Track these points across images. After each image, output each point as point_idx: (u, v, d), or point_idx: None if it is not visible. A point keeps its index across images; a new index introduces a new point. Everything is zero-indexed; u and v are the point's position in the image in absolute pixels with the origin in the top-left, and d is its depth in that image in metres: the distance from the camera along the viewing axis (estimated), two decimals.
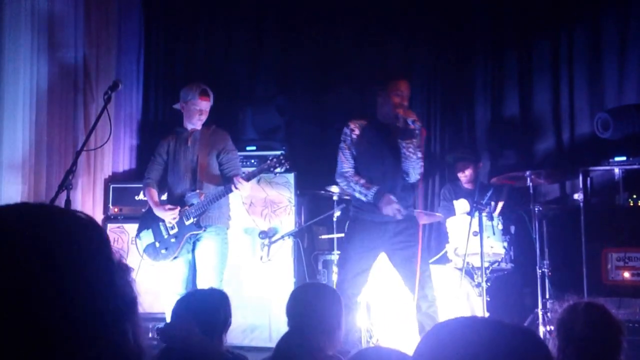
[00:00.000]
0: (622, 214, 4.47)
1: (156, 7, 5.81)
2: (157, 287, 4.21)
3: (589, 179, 4.66)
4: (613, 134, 4.70)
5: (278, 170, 3.91)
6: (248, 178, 3.91)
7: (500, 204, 4.84)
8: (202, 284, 3.90)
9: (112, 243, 0.88)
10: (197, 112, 4.09)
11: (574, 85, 5.14)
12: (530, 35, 5.30)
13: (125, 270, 0.88)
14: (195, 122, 4.12)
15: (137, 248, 4.17)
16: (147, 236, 4.09)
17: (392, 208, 3.64)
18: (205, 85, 4.15)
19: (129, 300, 0.85)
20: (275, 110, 5.17)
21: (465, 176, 4.96)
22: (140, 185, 4.77)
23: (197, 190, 4.01)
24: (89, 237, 0.85)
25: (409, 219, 3.77)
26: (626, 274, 4.37)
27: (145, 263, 4.09)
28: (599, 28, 5.13)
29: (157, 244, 4.06)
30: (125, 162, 5.48)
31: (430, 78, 5.50)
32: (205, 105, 4.11)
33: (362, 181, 3.76)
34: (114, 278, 0.84)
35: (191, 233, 4.00)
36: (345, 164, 3.84)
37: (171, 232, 4.03)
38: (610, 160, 4.62)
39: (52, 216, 0.87)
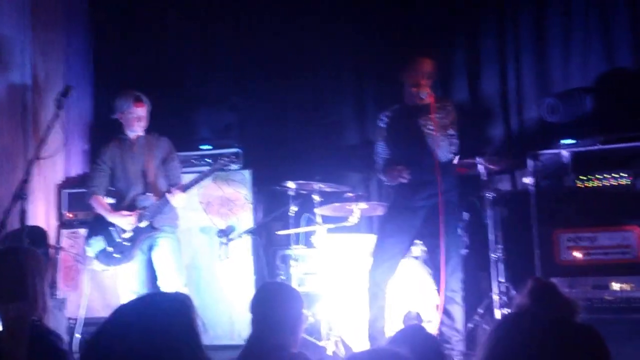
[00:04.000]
0: (570, 196, 4.57)
1: (104, 8, 5.71)
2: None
3: (537, 162, 4.76)
4: (560, 117, 4.81)
5: (233, 167, 4.01)
6: (184, 189, 4.05)
7: None
8: (167, 286, 3.95)
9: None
10: (135, 119, 4.13)
11: (521, 71, 5.22)
12: (476, 22, 5.35)
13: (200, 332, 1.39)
14: (136, 129, 4.17)
15: (86, 255, 4.19)
16: (98, 242, 4.10)
17: (395, 175, 3.72)
18: (138, 92, 4.18)
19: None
20: (229, 109, 5.17)
21: None
22: None
23: (148, 193, 4.07)
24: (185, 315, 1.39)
25: (445, 204, 3.63)
26: (577, 254, 4.48)
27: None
28: (543, 12, 5.20)
29: (110, 249, 4.07)
30: (77, 166, 5.40)
31: (380, 69, 5.52)
32: (141, 111, 4.15)
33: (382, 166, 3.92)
34: (198, 340, 1.37)
35: (147, 235, 4.04)
36: (380, 155, 3.95)
37: (124, 236, 4.05)
38: (558, 143, 4.73)
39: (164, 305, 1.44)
